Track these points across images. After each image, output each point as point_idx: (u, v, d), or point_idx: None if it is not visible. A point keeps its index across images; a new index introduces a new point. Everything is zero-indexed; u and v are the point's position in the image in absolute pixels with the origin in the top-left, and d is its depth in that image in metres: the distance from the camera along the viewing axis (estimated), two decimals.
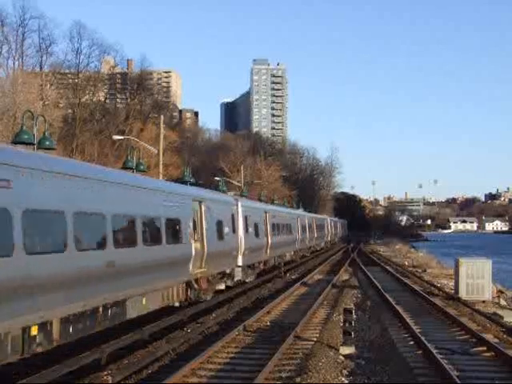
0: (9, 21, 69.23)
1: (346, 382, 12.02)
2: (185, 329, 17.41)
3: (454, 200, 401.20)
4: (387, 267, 43.41)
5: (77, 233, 12.11)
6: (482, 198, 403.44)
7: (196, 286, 20.30)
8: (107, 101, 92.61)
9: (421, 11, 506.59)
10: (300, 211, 58.63)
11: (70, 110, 75.93)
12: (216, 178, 49.47)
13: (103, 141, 72.09)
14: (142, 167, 19.93)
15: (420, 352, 14.56)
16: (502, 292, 28.76)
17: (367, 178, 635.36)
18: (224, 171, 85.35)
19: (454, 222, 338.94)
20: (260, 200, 42.75)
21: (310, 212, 65.95)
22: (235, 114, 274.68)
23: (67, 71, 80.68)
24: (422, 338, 15.42)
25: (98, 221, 13.20)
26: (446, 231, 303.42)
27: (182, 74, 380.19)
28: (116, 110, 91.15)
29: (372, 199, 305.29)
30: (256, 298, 24.98)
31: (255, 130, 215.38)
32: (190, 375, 12.18)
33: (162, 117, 50.29)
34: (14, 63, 68.75)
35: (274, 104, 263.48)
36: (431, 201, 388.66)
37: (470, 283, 24.64)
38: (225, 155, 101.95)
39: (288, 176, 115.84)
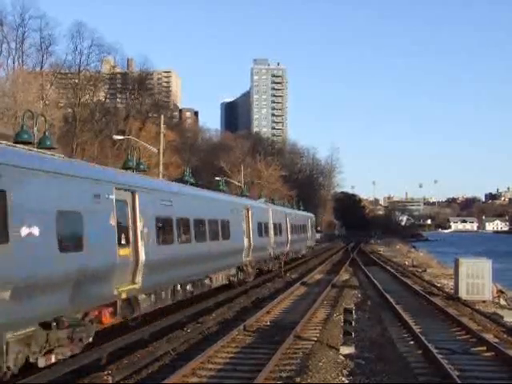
0: (8, 20, 69.23)
1: (346, 381, 12.01)
2: (185, 329, 17.41)
3: (454, 200, 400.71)
4: (387, 267, 43.42)
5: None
6: (482, 198, 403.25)
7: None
8: (107, 100, 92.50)
9: (421, 11, 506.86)
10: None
11: (70, 110, 75.84)
12: (216, 178, 49.47)
13: (103, 141, 72.04)
14: (142, 167, 19.95)
15: (420, 352, 14.55)
16: (502, 292, 28.71)
17: (367, 177, 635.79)
18: (224, 171, 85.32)
19: (454, 222, 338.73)
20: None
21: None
22: (235, 113, 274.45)
23: (67, 71, 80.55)
24: (422, 338, 15.41)
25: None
26: (446, 231, 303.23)
27: (182, 74, 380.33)
28: (116, 109, 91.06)
29: (372, 199, 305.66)
30: (256, 298, 24.98)
31: (255, 129, 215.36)
32: (190, 375, 12.17)
33: (162, 116, 50.28)
34: (14, 63, 68.78)
35: (274, 104, 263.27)
36: (431, 201, 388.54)
37: (469, 283, 24.62)
38: (225, 155, 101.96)
39: (288, 176, 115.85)
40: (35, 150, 12.72)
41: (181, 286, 18.86)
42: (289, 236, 41.43)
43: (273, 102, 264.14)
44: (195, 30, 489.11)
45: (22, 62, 70.01)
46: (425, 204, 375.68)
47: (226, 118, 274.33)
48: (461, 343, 15.76)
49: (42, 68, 73.24)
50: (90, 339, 13.16)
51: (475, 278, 24.61)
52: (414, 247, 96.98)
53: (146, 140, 56.61)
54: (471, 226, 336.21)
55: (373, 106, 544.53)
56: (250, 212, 28.55)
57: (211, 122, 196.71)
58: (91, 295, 12.73)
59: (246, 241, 27.42)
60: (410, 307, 22.03)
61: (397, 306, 21.56)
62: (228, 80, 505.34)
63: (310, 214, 64.56)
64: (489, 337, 16.09)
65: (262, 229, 31.45)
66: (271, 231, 34.48)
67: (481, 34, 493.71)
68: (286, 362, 13.32)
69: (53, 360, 11.76)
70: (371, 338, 16.34)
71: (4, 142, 11.63)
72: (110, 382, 11.83)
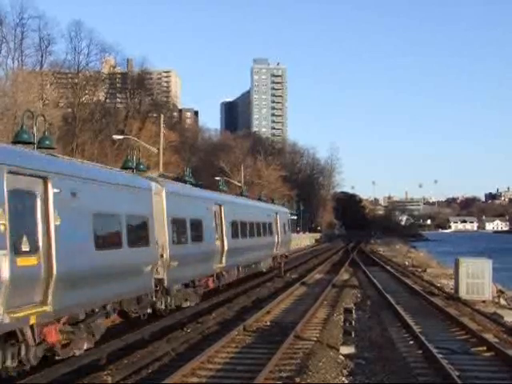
0: (7, 20, 69.11)
1: (346, 381, 12.00)
2: (185, 329, 17.39)
3: (454, 200, 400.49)
4: (387, 267, 43.39)
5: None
6: (482, 198, 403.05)
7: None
8: (107, 100, 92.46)
9: (420, 11, 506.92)
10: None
11: (69, 110, 75.80)
12: (216, 178, 49.35)
13: (103, 140, 72.05)
14: (141, 167, 19.96)
15: (420, 352, 14.53)
16: (502, 292, 28.72)
17: (367, 177, 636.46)
18: (224, 171, 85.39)
19: (454, 222, 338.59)
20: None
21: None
22: (235, 113, 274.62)
23: (67, 71, 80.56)
24: (422, 338, 15.40)
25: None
26: (446, 231, 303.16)
27: (182, 74, 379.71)
28: (116, 109, 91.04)
29: (372, 199, 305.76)
30: (256, 298, 24.97)
31: (255, 129, 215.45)
32: (189, 375, 12.15)
33: (161, 116, 50.31)
34: (13, 63, 68.72)
35: (274, 104, 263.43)
36: (431, 201, 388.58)
37: (469, 283, 24.60)
38: (225, 155, 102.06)
39: (288, 176, 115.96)
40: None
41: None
42: (225, 243, 25.01)
43: (273, 101, 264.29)
44: (195, 29, 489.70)
45: (22, 61, 70.02)
46: (425, 204, 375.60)
47: (226, 118, 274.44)
48: (461, 343, 15.74)
49: (41, 68, 73.23)
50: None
51: (475, 278, 24.59)
52: (413, 247, 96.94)
53: (145, 140, 56.63)
54: (471, 225, 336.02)
55: (372, 106, 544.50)
56: (50, 193, 11.57)
57: (211, 121, 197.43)
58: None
59: (6, 269, 10.06)
60: (409, 307, 22.01)
61: (397, 306, 21.53)
62: (228, 80, 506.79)
63: (281, 208, 44.27)
64: (489, 337, 16.07)
65: (119, 233, 14.83)
66: (164, 235, 18.25)
67: (480, 34, 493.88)
68: (286, 362, 13.29)
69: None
70: (371, 337, 16.32)
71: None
72: (110, 382, 11.81)
